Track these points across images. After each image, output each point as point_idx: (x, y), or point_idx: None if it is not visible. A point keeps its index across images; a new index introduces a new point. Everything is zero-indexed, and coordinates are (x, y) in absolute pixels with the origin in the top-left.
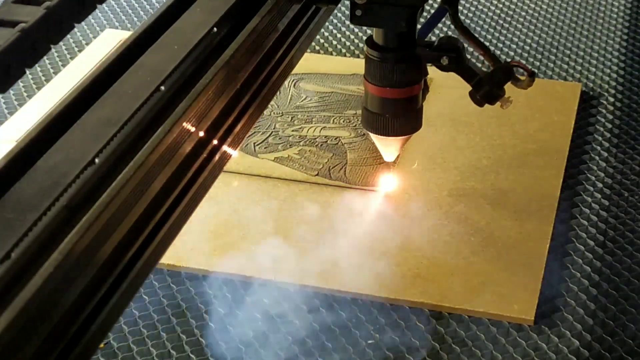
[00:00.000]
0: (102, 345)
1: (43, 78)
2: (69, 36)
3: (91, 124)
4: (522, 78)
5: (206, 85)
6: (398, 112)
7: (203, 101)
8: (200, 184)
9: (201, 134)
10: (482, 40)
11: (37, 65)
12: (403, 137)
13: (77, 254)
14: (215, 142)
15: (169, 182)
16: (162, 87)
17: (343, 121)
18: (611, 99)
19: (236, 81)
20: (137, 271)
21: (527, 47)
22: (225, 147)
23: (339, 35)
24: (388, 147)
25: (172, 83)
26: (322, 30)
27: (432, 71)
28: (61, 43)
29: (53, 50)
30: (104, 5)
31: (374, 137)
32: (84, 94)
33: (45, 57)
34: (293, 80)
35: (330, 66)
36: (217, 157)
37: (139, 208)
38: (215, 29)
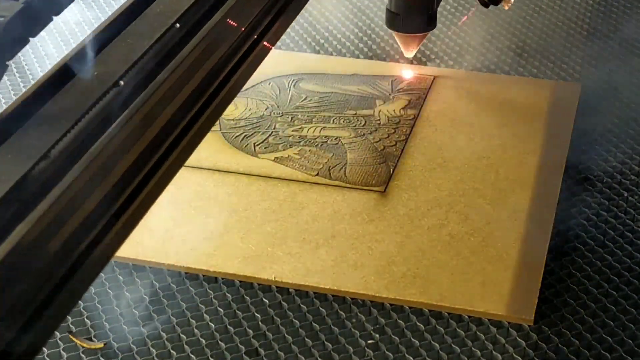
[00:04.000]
0: (102, 345)
1: None
2: (69, 36)
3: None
4: None
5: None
6: (416, 12)
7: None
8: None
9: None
10: (481, 39)
11: (37, 65)
12: (420, 34)
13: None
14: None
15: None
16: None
17: (343, 121)
18: (611, 99)
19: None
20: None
21: (527, 47)
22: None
23: (339, 36)
24: (408, 43)
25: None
26: (322, 30)
27: (434, 72)
28: (62, 43)
29: (53, 50)
30: (104, 5)
31: (396, 35)
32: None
33: (45, 57)
34: (293, 80)
35: (330, 66)
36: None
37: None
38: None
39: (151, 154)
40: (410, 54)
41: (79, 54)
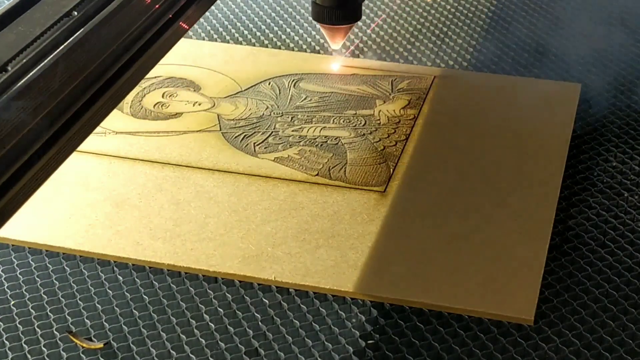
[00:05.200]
0: (102, 345)
1: None
2: None
3: None
4: None
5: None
6: (341, 4)
7: None
8: None
9: None
10: (482, 40)
11: None
12: (346, 25)
13: None
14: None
15: None
16: None
17: (343, 121)
18: (611, 99)
19: None
20: None
21: (527, 47)
22: None
23: None
24: (334, 36)
25: None
26: (322, 30)
27: (434, 72)
28: None
29: None
30: None
31: (322, 28)
32: None
33: None
34: (293, 80)
35: (330, 66)
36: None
37: None
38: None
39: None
40: (336, 45)
41: None
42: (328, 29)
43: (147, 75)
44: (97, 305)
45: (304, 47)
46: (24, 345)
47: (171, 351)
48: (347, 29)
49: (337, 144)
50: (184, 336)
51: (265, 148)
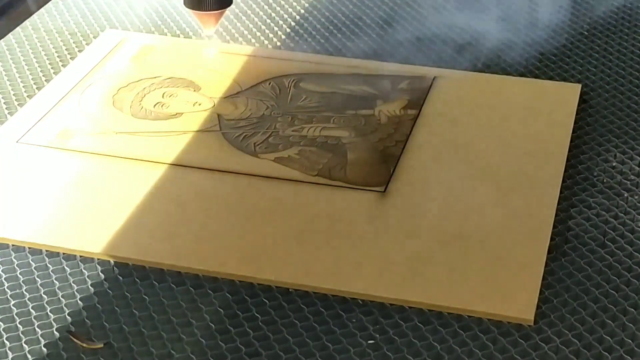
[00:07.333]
0: (102, 345)
1: (43, 78)
2: (69, 36)
3: None
4: None
5: None
6: None
7: None
8: None
9: None
10: (481, 39)
11: (37, 65)
12: (217, 11)
13: None
14: None
15: None
16: None
17: (343, 121)
18: (611, 99)
19: None
20: None
21: (527, 47)
22: None
23: (339, 35)
24: (206, 21)
25: None
26: (322, 30)
27: (434, 72)
28: (61, 43)
29: (53, 50)
30: (103, 5)
31: (194, 14)
32: None
33: (45, 57)
34: (293, 80)
35: (330, 66)
36: None
37: None
38: None
39: None
40: (209, 32)
41: None
42: (200, 16)
43: (147, 76)
44: (97, 305)
45: (304, 46)
46: (24, 345)
47: (171, 351)
48: (218, 15)
49: (337, 144)
50: (184, 336)
51: (265, 148)
